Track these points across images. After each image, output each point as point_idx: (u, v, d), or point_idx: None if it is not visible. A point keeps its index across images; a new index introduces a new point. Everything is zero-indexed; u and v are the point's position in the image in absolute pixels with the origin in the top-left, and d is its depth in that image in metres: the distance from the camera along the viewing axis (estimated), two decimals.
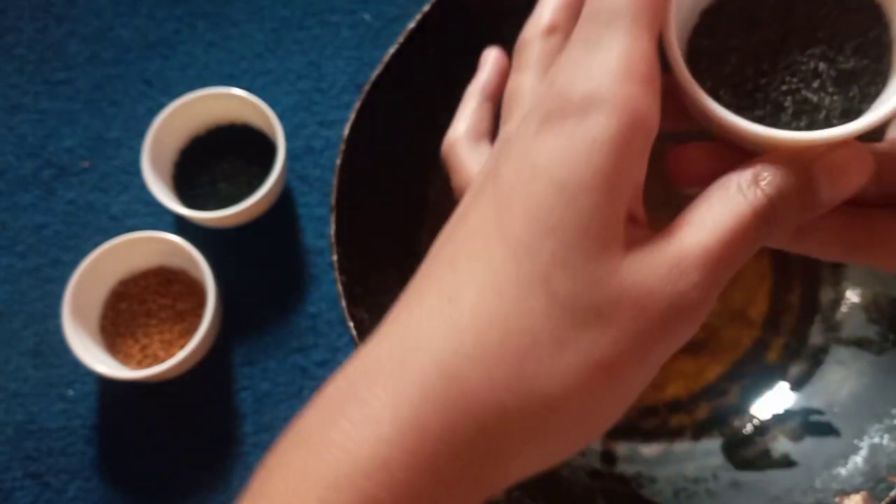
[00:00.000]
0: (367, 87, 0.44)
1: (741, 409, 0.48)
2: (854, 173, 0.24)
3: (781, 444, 0.45)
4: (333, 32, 0.62)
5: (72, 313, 0.50)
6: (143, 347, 0.52)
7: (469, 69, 0.51)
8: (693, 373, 0.49)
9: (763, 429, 0.47)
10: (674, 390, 0.49)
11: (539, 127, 0.23)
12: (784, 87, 0.25)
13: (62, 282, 0.54)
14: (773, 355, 0.49)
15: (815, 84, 0.25)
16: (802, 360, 0.48)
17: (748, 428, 0.47)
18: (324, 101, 0.60)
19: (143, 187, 0.57)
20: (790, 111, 0.25)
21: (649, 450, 0.47)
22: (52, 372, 0.54)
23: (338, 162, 0.43)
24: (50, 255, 0.57)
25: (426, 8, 0.45)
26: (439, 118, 0.51)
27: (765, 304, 0.50)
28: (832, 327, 0.49)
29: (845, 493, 0.41)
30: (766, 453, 0.45)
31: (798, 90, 0.25)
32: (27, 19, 0.63)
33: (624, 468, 0.46)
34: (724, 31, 0.26)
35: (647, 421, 0.48)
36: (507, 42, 0.52)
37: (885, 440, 0.42)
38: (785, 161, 0.23)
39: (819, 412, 0.46)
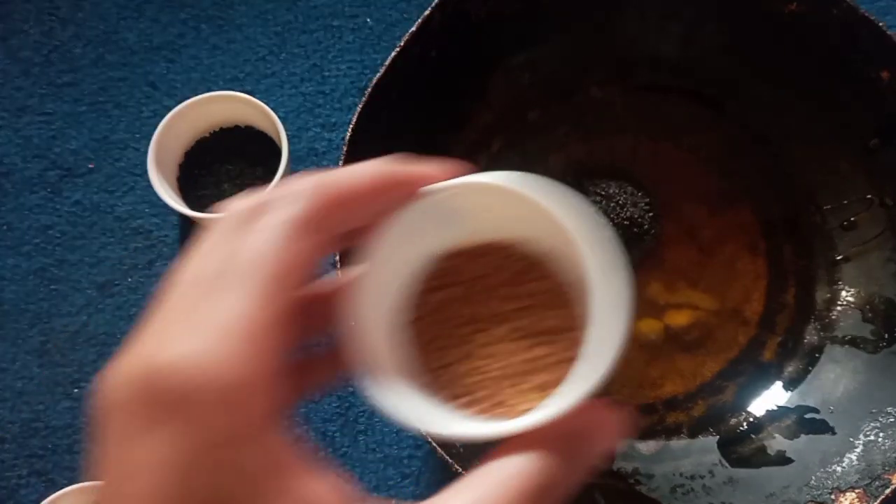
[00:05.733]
0: (369, 91, 0.44)
1: (737, 407, 0.48)
2: None
3: (777, 442, 0.46)
4: (336, 36, 0.63)
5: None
6: None
7: (468, 73, 0.52)
8: (690, 371, 0.50)
9: (759, 426, 0.47)
10: (671, 388, 0.49)
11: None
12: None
13: (68, 282, 0.54)
14: (768, 354, 0.50)
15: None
16: (798, 359, 0.49)
17: (744, 425, 0.47)
18: (326, 104, 0.61)
19: (148, 188, 0.57)
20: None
21: (646, 447, 0.48)
22: (58, 371, 0.54)
23: (340, 164, 0.43)
24: (56, 255, 0.57)
25: (427, 13, 0.45)
26: (439, 121, 0.51)
27: (760, 304, 0.50)
28: (827, 326, 0.49)
29: (840, 490, 0.42)
30: (762, 450, 0.46)
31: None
32: (33, 22, 0.64)
33: (621, 465, 0.47)
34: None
35: (645, 418, 0.49)
36: (507, 49, 0.52)
37: (881, 438, 0.43)
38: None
39: (814, 410, 0.46)
